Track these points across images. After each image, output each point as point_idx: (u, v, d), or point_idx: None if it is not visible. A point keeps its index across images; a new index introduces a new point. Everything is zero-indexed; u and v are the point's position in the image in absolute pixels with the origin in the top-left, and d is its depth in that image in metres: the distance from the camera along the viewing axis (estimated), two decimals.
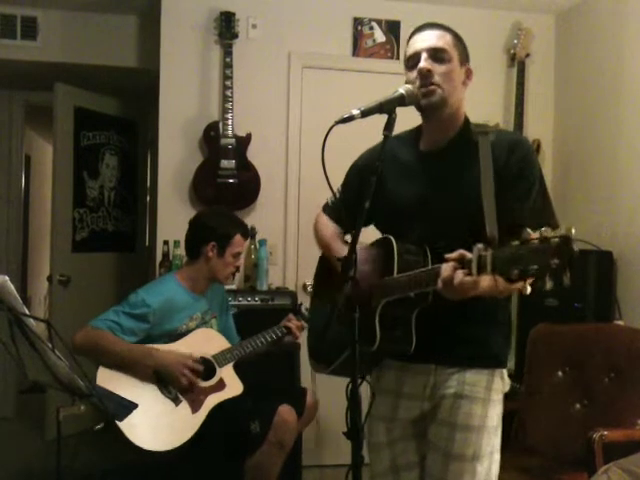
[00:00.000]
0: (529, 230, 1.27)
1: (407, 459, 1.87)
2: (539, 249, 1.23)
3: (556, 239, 1.21)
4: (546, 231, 1.23)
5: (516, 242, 1.28)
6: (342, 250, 1.88)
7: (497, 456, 1.82)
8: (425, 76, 1.73)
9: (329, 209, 2.08)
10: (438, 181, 1.80)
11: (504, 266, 1.30)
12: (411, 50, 1.78)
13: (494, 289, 1.51)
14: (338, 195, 2.01)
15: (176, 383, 2.72)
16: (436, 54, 1.74)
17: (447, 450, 1.77)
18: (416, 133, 1.91)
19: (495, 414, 1.80)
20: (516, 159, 1.73)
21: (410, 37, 1.83)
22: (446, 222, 1.74)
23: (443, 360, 1.80)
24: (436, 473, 1.79)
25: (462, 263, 1.45)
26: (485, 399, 1.78)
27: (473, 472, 1.76)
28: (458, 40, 1.80)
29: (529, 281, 1.29)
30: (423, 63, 1.73)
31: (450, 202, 1.77)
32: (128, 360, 2.70)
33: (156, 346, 2.77)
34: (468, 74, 1.82)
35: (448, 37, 1.78)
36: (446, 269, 1.47)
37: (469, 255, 1.43)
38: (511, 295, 1.86)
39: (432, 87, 1.73)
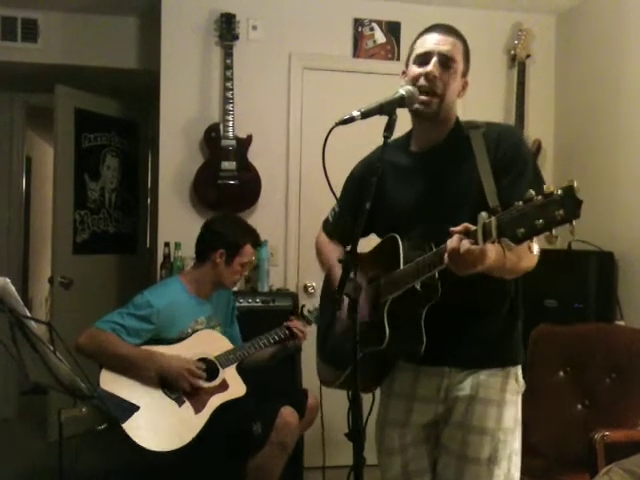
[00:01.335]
0: (531, 191, 1.27)
1: (419, 464, 1.86)
2: (544, 203, 1.23)
3: (559, 191, 1.22)
4: (548, 187, 1.24)
5: (519, 203, 1.28)
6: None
7: (517, 458, 1.81)
8: (430, 80, 1.74)
9: (329, 226, 2.08)
10: (436, 178, 1.81)
11: (510, 227, 1.30)
12: (424, 47, 1.77)
13: (502, 261, 1.50)
14: (337, 210, 2.01)
15: (179, 386, 2.72)
16: (446, 61, 1.75)
17: (462, 453, 1.76)
18: (407, 138, 1.92)
19: (511, 416, 1.79)
20: (505, 147, 1.75)
21: (426, 31, 1.81)
22: (448, 218, 1.73)
23: (456, 362, 1.79)
24: (450, 477, 1.78)
25: (467, 235, 1.43)
26: (500, 401, 1.77)
27: (490, 475, 1.75)
28: (467, 52, 1.82)
29: (536, 240, 1.29)
30: (432, 67, 1.74)
31: (451, 197, 1.77)
32: (130, 364, 2.71)
33: (159, 349, 2.77)
34: (464, 86, 1.84)
35: (461, 48, 1.79)
36: (452, 241, 1.45)
37: (473, 227, 1.42)
38: (520, 287, 1.85)
39: (432, 99, 1.75)
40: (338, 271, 1.91)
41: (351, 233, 1.76)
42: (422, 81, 1.74)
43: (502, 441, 1.76)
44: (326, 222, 2.11)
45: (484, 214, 1.38)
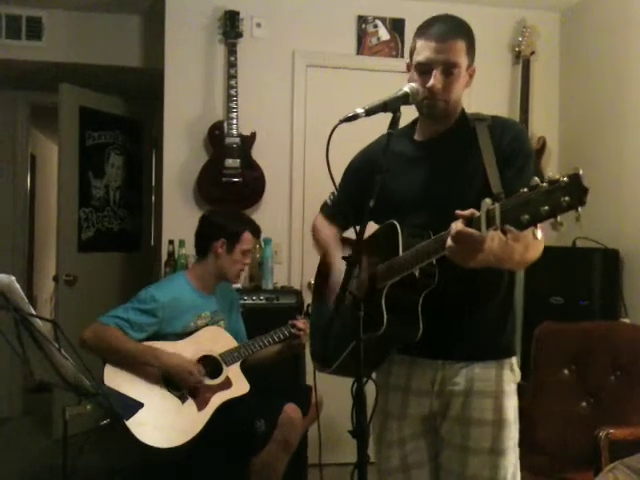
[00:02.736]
0: (536, 178, 1.26)
1: (418, 457, 1.85)
2: (549, 190, 1.22)
3: (565, 178, 1.21)
4: (553, 174, 1.23)
5: (524, 189, 1.27)
6: (339, 254, 1.88)
7: (517, 449, 1.81)
8: (435, 93, 1.73)
9: (328, 209, 2.09)
10: (440, 167, 1.81)
11: (513, 214, 1.29)
12: (423, 56, 1.73)
13: (509, 251, 1.49)
14: (336, 196, 2.02)
15: (182, 384, 2.73)
16: (448, 69, 1.72)
17: (464, 445, 1.76)
18: (411, 126, 1.92)
19: (510, 406, 1.78)
20: (509, 139, 1.75)
21: (422, 32, 1.76)
22: (451, 207, 1.72)
23: (450, 355, 1.79)
24: (455, 468, 1.78)
25: (470, 221, 1.42)
26: (497, 392, 1.77)
27: (495, 466, 1.74)
28: (470, 42, 1.77)
29: (541, 226, 1.27)
30: (434, 81, 1.72)
31: (454, 186, 1.77)
32: (133, 360, 2.72)
33: (163, 345, 2.78)
34: (471, 74, 1.81)
35: (463, 46, 1.74)
36: (456, 225, 1.44)
37: (479, 213, 1.41)
38: (515, 279, 1.85)
39: (437, 102, 1.74)
40: (334, 252, 1.96)
41: (349, 218, 1.75)
42: (426, 94, 1.73)
43: (505, 432, 1.76)
44: (324, 205, 2.11)
45: (488, 200, 1.37)
